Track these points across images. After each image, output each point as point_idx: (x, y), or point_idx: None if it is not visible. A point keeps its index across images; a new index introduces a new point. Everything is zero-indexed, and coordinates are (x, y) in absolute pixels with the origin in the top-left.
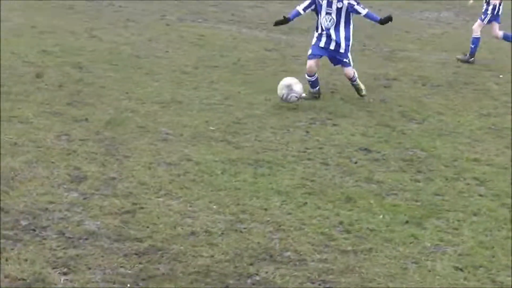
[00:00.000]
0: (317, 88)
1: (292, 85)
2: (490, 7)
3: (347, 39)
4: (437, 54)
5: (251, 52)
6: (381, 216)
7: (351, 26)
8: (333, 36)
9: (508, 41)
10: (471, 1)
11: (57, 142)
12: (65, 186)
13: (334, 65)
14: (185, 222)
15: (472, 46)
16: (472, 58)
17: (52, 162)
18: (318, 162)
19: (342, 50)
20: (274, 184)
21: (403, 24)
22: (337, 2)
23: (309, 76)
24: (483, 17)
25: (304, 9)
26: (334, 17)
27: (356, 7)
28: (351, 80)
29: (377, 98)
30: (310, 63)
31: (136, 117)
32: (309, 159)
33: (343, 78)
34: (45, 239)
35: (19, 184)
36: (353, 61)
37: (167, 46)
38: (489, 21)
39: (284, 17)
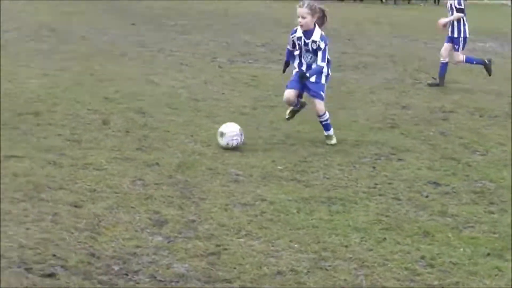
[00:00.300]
0: (298, 105)
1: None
2: (454, 32)
3: (324, 72)
4: (489, 85)
5: None
6: (461, 249)
7: (325, 62)
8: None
9: (440, 71)
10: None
11: (133, 187)
12: (148, 230)
13: (309, 95)
14: (270, 261)
15: (474, 62)
16: (488, 64)
17: (132, 207)
18: (390, 197)
19: (321, 80)
20: (350, 221)
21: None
22: (312, 43)
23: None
24: (456, 47)
25: (292, 47)
26: (314, 55)
27: (322, 55)
28: (319, 116)
29: (436, 131)
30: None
31: (205, 160)
32: (380, 195)
33: (401, 112)
34: (138, 283)
35: (104, 229)
36: (405, 95)
37: (222, 88)
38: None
39: (285, 63)
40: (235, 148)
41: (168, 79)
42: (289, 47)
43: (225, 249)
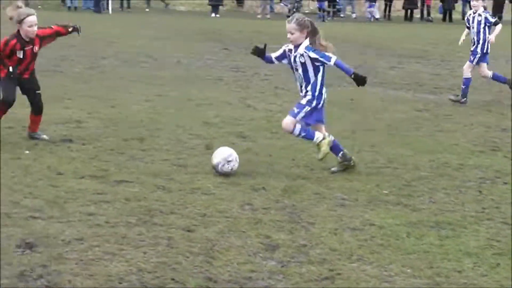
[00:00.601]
0: (342, 153)
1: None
2: (479, 47)
3: (313, 94)
4: None
5: (402, 113)
6: None
7: (319, 82)
8: (303, 91)
9: (498, 81)
10: (462, 39)
11: (242, 212)
12: (261, 255)
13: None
14: (384, 286)
15: (463, 87)
16: (465, 99)
17: (243, 232)
18: (499, 221)
19: (303, 102)
20: (461, 246)
21: None
22: (300, 56)
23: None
24: (472, 58)
25: (276, 58)
26: (301, 73)
27: (321, 58)
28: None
29: None
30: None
31: (309, 184)
32: (488, 219)
33: (502, 135)
34: None
35: (218, 253)
36: (504, 117)
37: None
38: (477, 62)
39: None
40: (338, 172)
41: (265, 104)
42: (275, 54)
43: (339, 273)
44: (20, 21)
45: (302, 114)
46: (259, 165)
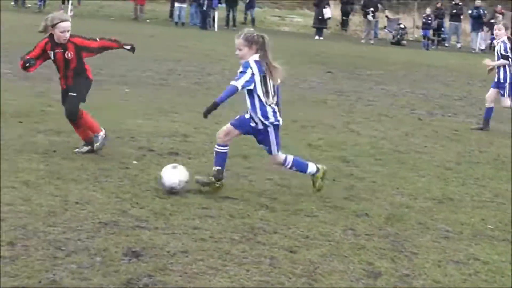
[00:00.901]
0: (219, 169)
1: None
2: (501, 77)
3: (263, 116)
4: None
5: (508, 148)
6: None
7: (257, 101)
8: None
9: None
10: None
11: (344, 237)
12: (363, 281)
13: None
14: None
15: None
16: None
17: (345, 256)
18: None
19: (260, 127)
20: None
21: None
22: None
23: (219, 145)
24: (502, 92)
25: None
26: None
27: (238, 73)
28: (284, 167)
29: None
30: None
31: (413, 213)
32: None
33: None
34: None
35: (320, 277)
36: None
37: (424, 141)
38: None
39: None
40: (439, 203)
41: (369, 129)
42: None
43: None
44: (53, 25)
45: (279, 144)
46: (363, 190)
